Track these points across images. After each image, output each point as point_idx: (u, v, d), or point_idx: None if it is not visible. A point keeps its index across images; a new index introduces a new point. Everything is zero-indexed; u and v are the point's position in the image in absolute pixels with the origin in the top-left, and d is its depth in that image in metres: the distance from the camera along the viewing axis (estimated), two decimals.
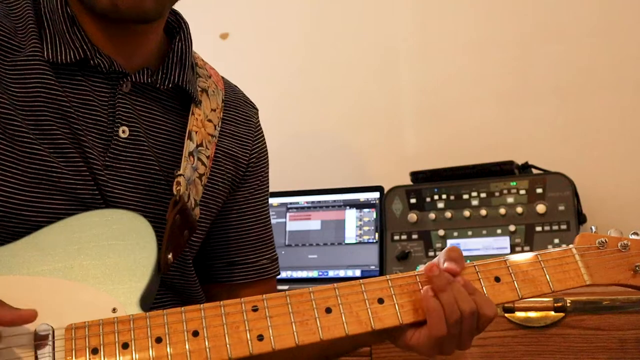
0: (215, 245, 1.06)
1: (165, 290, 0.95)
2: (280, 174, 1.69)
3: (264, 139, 1.11)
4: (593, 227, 0.91)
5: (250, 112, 1.09)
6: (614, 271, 0.87)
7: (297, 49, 2.09)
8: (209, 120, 0.99)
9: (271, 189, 1.14)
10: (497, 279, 0.85)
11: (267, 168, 1.10)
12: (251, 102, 1.11)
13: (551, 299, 1.29)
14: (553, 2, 1.85)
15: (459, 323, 0.81)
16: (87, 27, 0.90)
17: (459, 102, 1.91)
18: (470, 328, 0.82)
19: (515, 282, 0.85)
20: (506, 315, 1.32)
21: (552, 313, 1.30)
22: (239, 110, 1.07)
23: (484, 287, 0.84)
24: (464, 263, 0.86)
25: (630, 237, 0.89)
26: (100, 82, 0.91)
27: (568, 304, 1.29)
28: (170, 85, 0.95)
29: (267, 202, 1.11)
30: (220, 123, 1.01)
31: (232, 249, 1.06)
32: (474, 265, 0.86)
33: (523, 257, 0.87)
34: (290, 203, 1.79)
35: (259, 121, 1.11)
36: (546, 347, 1.30)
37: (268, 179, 1.11)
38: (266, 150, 1.11)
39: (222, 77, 1.09)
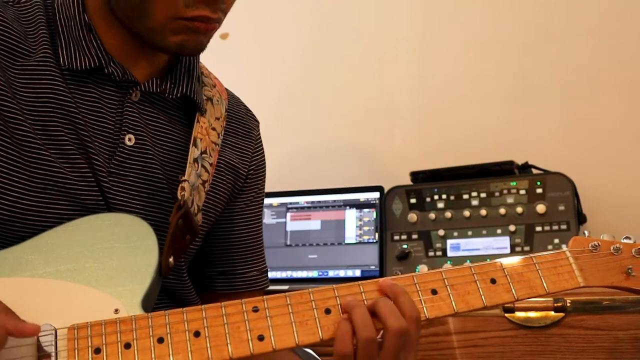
0: (209, 254, 1.07)
1: (163, 296, 0.96)
2: (280, 174, 1.71)
3: (263, 152, 1.12)
4: (586, 232, 0.92)
5: (251, 124, 1.10)
6: (607, 274, 0.88)
7: (297, 49, 2.10)
8: (213, 129, 1.00)
9: (271, 189, 1.15)
10: (493, 281, 0.86)
11: (264, 181, 1.12)
12: (253, 114, 1.13)
13: (551, 299, 1.30)
14: (553, 2, 1.85)
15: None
16: (103, 35, 0.91)
17: (459, 102, 1.92)
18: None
19: (510, 283, 0.86)
20: (506, 315, 1.33)
21: (552, 313, 1.30)
22: (241, 123, 1.08)
23: (480, 289, 0.85)
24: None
25: (622, 241, 0.91)
26: (110, 90, 0.92)
27: (568, 304, 1.29)
28: (178, 95, 0.96)
29: (261, 214, 1.12)
30: (223, 132, 1.03)
31: (224, 258, 1.07)
32: (470, 267, 0.87)
33: (517, 260, 0.88)
34: (290, 203, 1.79)
35: (259, 134, 1.12)
36: (546, 347, 1.30)
37: (264, 192, 1.12)
38: (264, 163, 1.12)
39: (226, 88, 1.10)
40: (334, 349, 0.79)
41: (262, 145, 1.12)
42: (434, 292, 0.84)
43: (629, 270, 0.88)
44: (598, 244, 0.89)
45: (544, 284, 0.86)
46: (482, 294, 0.85)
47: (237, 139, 1.07)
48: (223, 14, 0.90)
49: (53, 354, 0.75)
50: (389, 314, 0.79)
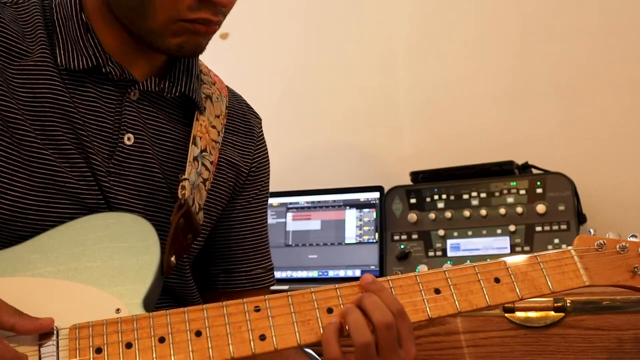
0: (212, 252, 1.06)
1: (165, 295, 0.95)
2: (280, 174, 1.70)
3: (266, 149, 1.11)
4: (591, 230, 0.91)
5: (253, 121, 1.10)
6: (613, 272, 0.88)
7: (297, 49, 2.09)
8: (213, 127, 0.99)
9: (271, 189, 1.14)
10: (497, 280, 0.86)
11: (268, 178, 1.11)
12: (254, 111, 1.12)
13: (551, 299, 1.29)
14: (553, 2, 1.85)
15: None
16: (101, 34, 0.90)
17: (459, 102, 1.91)
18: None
19: (515, 282, 0.86)
20: (506, 315, 1.33)
21: (552, 313, 1.30)
22: (242, 120, 1.08)
23: (484, 288, 0.85)
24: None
25: (629, 239, 0.90)
26: (108, 89, 0.92)
27: (568, 304, 1.29)
28: (177, 94, 0.96)
29: (265, 212, 1.11)
30: (223, 130, 1.02)
31: (227, 256, 1.07)
32: (474, 266, 0.87)
33: (522, 259, 0.88)
34: (290, 203, 1.79)
35: (261, 131, 1.11)
36: (546, 347, 1.30)
37: (267, 189, 1.11)
38: (267, 160, 1.11)
39: (227, 86, 1.09)
40: (323, 354, 0.79)
41: (264, 142, 1.12)
42: (437, 291, 0.84)
43: (635, 269, 0.88)
44: (603, 242, 0.89)
45: (549, 283, 0.86)
46: (485, 293, 0.84)
47: (238, 136, 1.06)
48: (223, 16, 0.90)
49: (54, 354, 0.75)
50: (373, 309, 0.79)
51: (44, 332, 0.75)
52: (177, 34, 0.87)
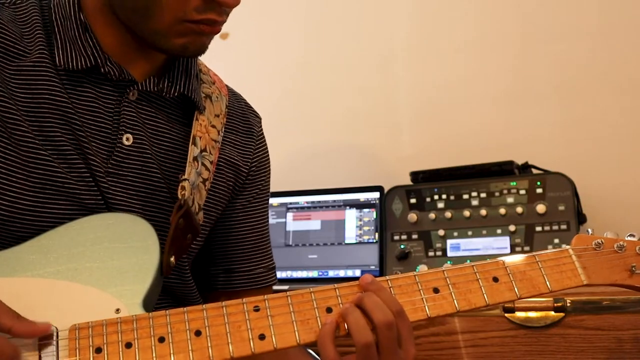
0: (213, 252, 1.06)
1: (164, 295, 0.96)
2: (280, 174, 1.70)
3: (266, 148, 1.11)
4: (589, 230, 0.92)
5: (252, 120, 1.10)
6: (611, 271, 0.88)
7: (297, 49, 2.10)
8: (213, 126, 0.99)
9: (271, 189, 1.14)
10: (496, 279, 0.86)
11: (268, 177, 1.11)
12: (254, 110, 1.12)
13: (551, 299, 1.30)
14: (553, 2, 1.85)
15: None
16: (100, 34, 0.90)
17: (459, 101, 1.92)
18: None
19: (513, 282, 0.86)
20: (506, 315, 1.33)
21: (552, 313, 1.30)
22: (242, 119, 1.08)
23: (482, 287, 0.85)
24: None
25: (626, 238, 0.91)
26: (107, 90, 0.92)
27: (568, 304, 1.29)
28: (176, 94, 0.96)
29: (266, 211, 1.11)
30: (223, 129, 1.02)
31: (228, 256, 1.07)
32: (473, 266, 0.87)
33: (520, 258, 0.88)
34: (290, 203, 1.79)
35: (261, 130, 1.11)
36: (546, 347, 1.30)
37: (268, 188, 1.11)
38: (268, 159, 1.11)
39: (226, 85, 1.09)
40: (319, 355, 0.79)
41: (264, 141, 1.12)
42: (436, 290, 0.84)
43: (633, 268, 0.88)
44: (601, 241, 0.89)
45: (547, 282, 0.86)
46: (484, 292, 0.85)
47: (238, 135, 1.06)
48: (227, 16, 0.91)
49: (54, 354, 0.75)
50: (374, 309, 0.79)
51: (41, 336, 0.75)
52: (182, 35, 0.87)
